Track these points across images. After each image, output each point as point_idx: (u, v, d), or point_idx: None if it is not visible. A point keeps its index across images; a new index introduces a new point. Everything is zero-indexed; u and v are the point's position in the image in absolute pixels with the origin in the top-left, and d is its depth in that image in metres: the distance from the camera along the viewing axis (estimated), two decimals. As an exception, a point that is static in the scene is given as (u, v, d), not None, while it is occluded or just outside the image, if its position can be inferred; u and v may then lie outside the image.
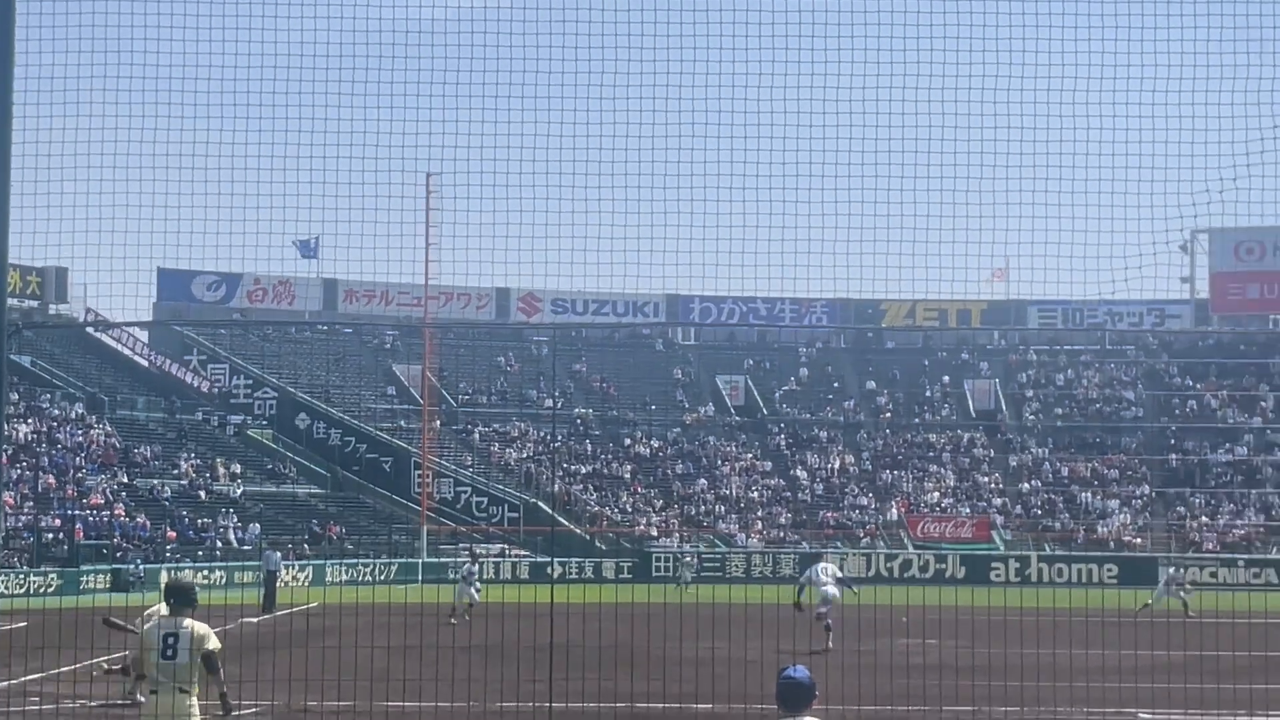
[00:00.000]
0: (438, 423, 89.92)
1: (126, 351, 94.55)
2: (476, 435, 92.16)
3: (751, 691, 21.77)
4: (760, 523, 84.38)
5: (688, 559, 74.67)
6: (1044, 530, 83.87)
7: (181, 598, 15.64)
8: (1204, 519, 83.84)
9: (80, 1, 27.77)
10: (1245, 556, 76.13)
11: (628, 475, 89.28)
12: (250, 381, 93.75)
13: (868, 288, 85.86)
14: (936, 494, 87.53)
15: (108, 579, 61.61)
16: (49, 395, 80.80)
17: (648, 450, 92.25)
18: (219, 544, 71.65)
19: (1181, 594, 49.99)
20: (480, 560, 60.18)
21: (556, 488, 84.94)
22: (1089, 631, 28.03)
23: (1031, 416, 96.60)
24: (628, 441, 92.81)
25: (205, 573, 64.65)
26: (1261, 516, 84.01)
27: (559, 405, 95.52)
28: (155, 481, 76.27)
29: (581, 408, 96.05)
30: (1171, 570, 54.86)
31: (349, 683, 24.49)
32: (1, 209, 15.92)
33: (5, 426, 18.49)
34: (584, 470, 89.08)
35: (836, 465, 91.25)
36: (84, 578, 61.20)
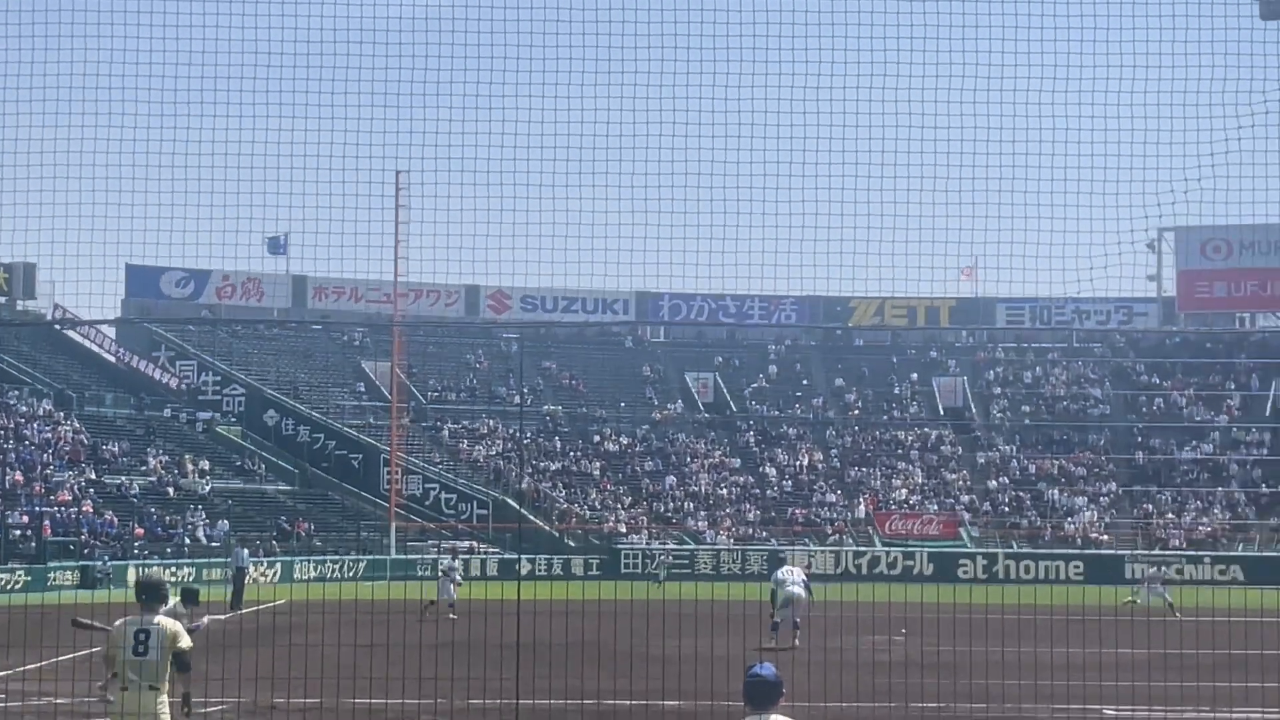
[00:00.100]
0: (407, 419, 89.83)
1: (95, 348, 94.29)
2: (446, 432, 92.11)
3: (719, 689, 21.87)
4: (729, 520, 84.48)
5: (664, 556, 74.80)
6: (1011, 527, 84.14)
7: (154, 594, 15.65)
8: (1170, 516, 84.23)
9: (49, -2, 27.78)
10: (1211, 554, 76.49)
11: (597, 472, 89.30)
12: (219, 378, 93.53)
13: (837, 286, 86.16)
14: (904, 491, 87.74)
15: (75, 576, 61.49)
16: (16, 391, 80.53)
17: (617, 447, 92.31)
18: (187, 541, 71.49)
19: (1163, 591, 49.95)
20: (462, 556, 60.17)
21: (525, 484, 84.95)
22: (1053, 629, 28.19)
23: (999, 414, 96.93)
24: (597, 438, 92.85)
25: (173, 569, 64.56)
26: (1227, 514, 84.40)
27: (528, 402, 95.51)
28: (123, 478, 76.07)
29: (551, 404, 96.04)
30: (1151, 570, 54.97)
31: (316, 680, 24.51)
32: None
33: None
34: (553, 467, 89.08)
35: (805, 462, 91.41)
36: (51, 574, 61.07)
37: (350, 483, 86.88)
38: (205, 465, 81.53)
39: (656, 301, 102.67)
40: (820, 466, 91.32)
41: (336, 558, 74.05)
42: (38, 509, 67.75)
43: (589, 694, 25.38)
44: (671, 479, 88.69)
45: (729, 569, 75.54)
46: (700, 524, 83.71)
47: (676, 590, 55.17)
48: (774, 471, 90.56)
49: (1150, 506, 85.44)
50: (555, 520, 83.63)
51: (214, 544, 70.94)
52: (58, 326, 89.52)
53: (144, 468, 78.58)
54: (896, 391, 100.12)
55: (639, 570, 74.30)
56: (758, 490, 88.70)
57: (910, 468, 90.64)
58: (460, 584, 48.27)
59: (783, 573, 37.33)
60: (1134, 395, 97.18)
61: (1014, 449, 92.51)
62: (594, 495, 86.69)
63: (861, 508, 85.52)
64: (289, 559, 71.34)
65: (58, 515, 68.18)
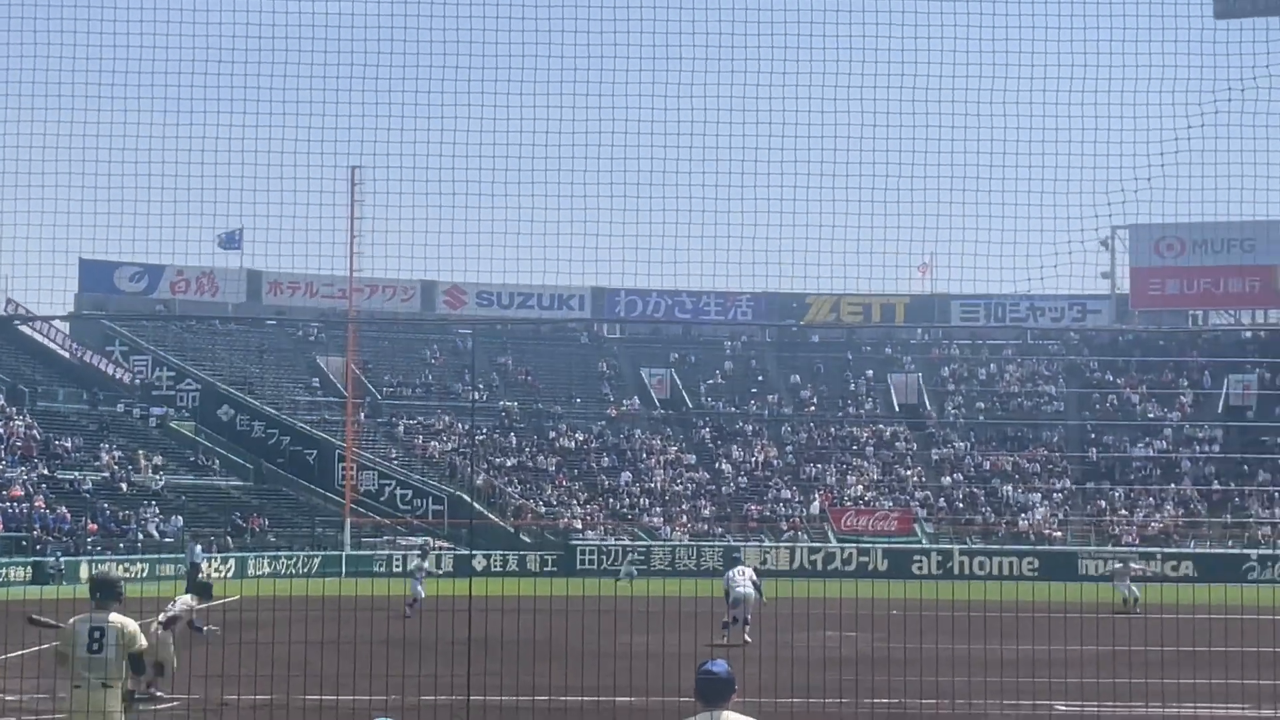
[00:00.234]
0: (362, 415, 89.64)
1: (48, 343, 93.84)
2: (401, 428, 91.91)
3: (672, 685, 21.88)
4: (685, 516, 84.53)
5: (631, 554, 74.81)
6: (966, 523, 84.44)
7: (108, 591, 15.63)
8: (1123, 513, 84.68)
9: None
10: (1164, 550, 76.87)
11: (553, 468, 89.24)
12: (173, 373, 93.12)
13: (792, 283, 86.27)
14: (860, 487, 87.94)
15: (28, 572, 61.20)
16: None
17: (573, 443, 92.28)
18: (141, 536, 71.18)
19: (1131, 586, 50.10)
20: (432, 553, 59.93)
21: (481, 480, 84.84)
22: (1003, 624, 28.29)
23: (954, 411, 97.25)
24: (553, 434, 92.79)
25: (127, 565, 64.34)
26: (1180, 510, 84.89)
27: (484, 398, 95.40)
28: (76, 474, 75.69)
29: (506, 400, 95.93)
30: (1117, 565, 55.18)
31: (267, 677, 24.43)
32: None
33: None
34: (509, 463, 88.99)
35: (761, 458, 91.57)
36: (3, 570, 60.75)
37: (305, 478, 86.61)
38: (159, 461, 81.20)
39: (613, 297, 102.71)
40: (776, 463, 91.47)
41: (291, 554, 73.87)
42: (-11, 505, 67.41)
43: (541, 690, 25.39)
44: (627, 475, 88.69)
45: (684, 565, 75.63)
46: (656, 520, 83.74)
47: (629, 587, 55.27)
48: (730, 468, 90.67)
49: (1103, 503, 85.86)
50: (511, 516, 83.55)
51: (168, 540, 70.66)
52: (16, 323, 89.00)
53: (97, 463, 78.20)
54: (852, 388, 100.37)
55: (595, 566, 74.24)
56: (713, 486, 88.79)
57: (865, 464, 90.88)
58: (422, 578, 48.09)
59: (734, 573, 37.61)
60: (1088, 392, 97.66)
61: (969, 445, 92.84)
62: (550, 491, 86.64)
63: (816, 504, 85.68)
64: (243, 555, 71.13)
65: (10, 511, 67.80)
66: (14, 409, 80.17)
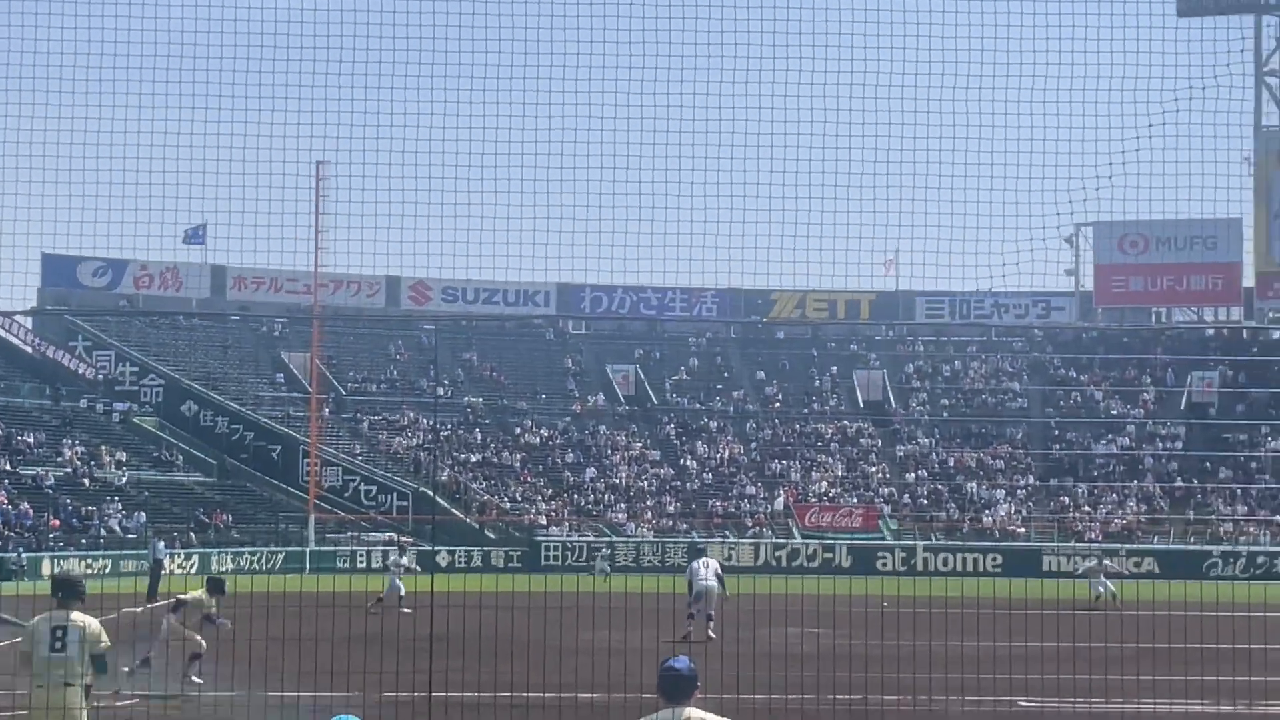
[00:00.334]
0: (326, 411, 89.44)
1: (10, 337, 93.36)
2: (366, 424, 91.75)
3: (635, 681, 21.89)
4: (649, 512, 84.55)
5: (604, 551, 74.76)
6: (930, 520, 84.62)
7: (70, 590, 15.60)
8: (1087, 509, 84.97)
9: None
10: (1127, 546, 77.03)
11: (517, 464, 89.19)
12: (136, 368, 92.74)
13: (754, 281, 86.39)
14: (824, 484, 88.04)
15: (-11, 568, 60.89)
16: (-71, 381, 79.69)
17: (538, 439, 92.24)
18: (103, 532, 70.89)
19: (1105, 583, 50.20)
20: (410, 548, 59.60)
21: (445, 476, 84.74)
22: (964, 621, 28.36)
23: (919, 407, 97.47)
24: (517, 430, 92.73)
25: (89, 561, 64.10)
26: (1143, 507, 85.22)
27: (449, 394, 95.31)
28: (38, 469, 75.33)
29: (471, 396, 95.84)
30: (1090, 563, 55.16)
31: (228, 673, 24.40)
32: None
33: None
34: (474, 459, 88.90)
35: (725, 455, 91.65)
36: (-36, 566, 60.44)
37: (269, 474, 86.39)
38: (122, 456, 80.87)
39: (578, 293, 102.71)
40: (740, 459, 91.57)
41: (255, 549, 73.67)
42: (-49, 500, 67.05)
43: (503, 686, 25.35)
44: (592, 471, 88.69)
45: (649, 561, 75.65)
46: (620, 516, 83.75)
47: (606, 583, 55.27)
48: (694, 464, 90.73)
49: (1067, 499, 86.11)
50: (475, 512, 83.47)
51: (131, 536, 70.40)
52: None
53: (59, 459, 77.84)
54: (817, 384, 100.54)
55: (559, 563, 74.24)
56: (678, 482, 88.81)
57: (830, 460, 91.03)
58: (397, 572, 47.87)
59: (698, 564, 37.59)
60: (1051, 389, 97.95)
61: (933, 442, 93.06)
62: (514, 487, 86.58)
63: (781, 500, 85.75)
64: (207, 551, 70.90)
65: (-29, 507, 67.48)
66: (-24, 404, 79.78)
